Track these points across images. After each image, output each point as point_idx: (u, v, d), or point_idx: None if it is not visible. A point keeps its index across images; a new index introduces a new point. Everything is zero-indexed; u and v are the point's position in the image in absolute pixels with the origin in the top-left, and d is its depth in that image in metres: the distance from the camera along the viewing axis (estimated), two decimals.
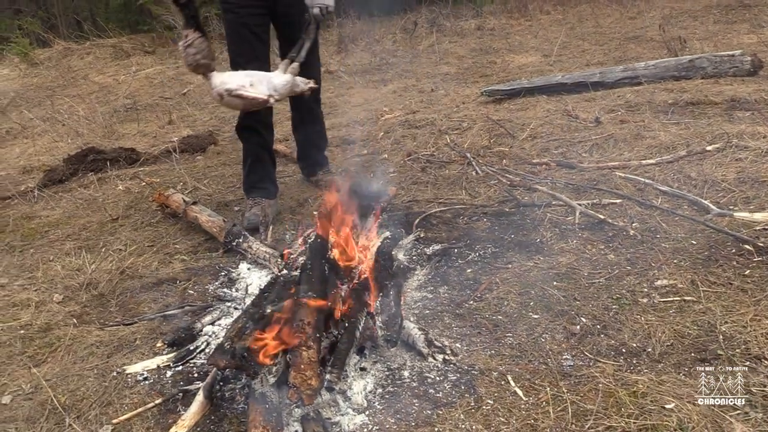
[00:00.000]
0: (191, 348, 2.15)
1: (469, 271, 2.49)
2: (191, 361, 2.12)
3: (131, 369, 2.09)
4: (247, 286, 2.52)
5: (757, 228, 2.41)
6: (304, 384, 1.63)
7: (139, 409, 1.88)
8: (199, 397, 1.83)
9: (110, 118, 6.04)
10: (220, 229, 2.88)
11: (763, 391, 1.65)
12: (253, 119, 3.18)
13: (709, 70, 4.57)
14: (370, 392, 1.84)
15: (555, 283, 2.30)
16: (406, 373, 1.92)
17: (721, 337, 1.91)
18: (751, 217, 2.46)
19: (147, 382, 2.03)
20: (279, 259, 2.51)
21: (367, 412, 1.76)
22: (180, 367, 2.08)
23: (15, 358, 2.26)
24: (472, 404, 1.75)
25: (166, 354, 2.15)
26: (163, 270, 2.77)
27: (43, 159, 5.12)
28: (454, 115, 4.51)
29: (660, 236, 2.50)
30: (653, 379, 1.75)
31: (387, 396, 1.82)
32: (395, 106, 4.94)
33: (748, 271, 2.20)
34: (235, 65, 3.08)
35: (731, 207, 2.60)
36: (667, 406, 1.62)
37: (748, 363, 1.79)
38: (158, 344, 2.19)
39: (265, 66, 3.14)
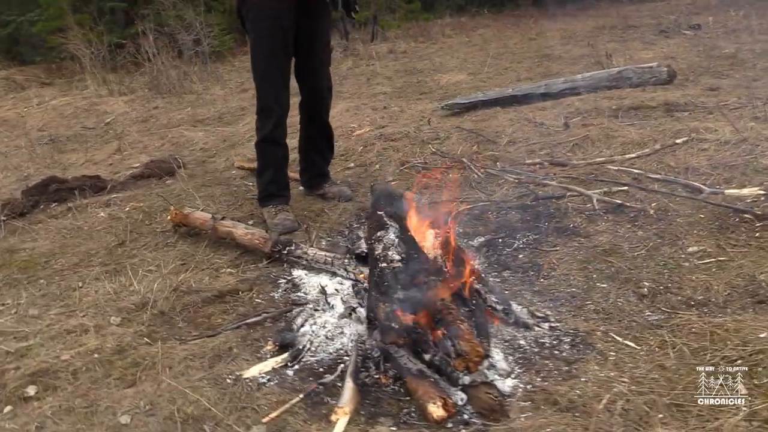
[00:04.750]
0: (300, 347, 2.20)
1: (521, 256, 2.75)
2: (303, 360, 2.17)
3: (248, 374, 2.10)
4: (323, 287, 2.59)
5: (748, 200, 2.89)
6: (473, 351, 1.78)
7: (286, 406, 1.91)
8: (350, 384, 1.91)
9: (36, 151, 5.67)
10: (264, 240, 2.92)
11: None
12: (282, 132, 3.26)
13: (634, 80, 5.23)
14: (503, 360, 2.02)
15: (605, 257, 2.62)
16: (522, 342, 2.12)
17: (764, 283, 2.29)
18: (740, 192, 2.93)
19: (272, 383, 2.06)
20: (351, 261, 2.62)
21: (513, 375, 1.94)
22: (297, 366, 2.13)
23: (102, 382, 2.17)
24: (599, 357, 1.99)
25: (276, 356, 2.18)
26: (218, 283, 2.76)
27: None
28: (423, 127, 4.79)
29: (672, 214, 2.90)
30: (735, 319, 2.08)
31: (521, 361, 2.02)
32: (361, 123, 5.13)
33: (758, 233, 2.64)
34: (268, 80, 3.15)
35: (718, 186, 3.07)
36: (761, 336, 1.95)
37: None
38: (267, 347, 2.22)
39: (288, 87, 3.25)
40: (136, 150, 5.40)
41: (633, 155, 3.60)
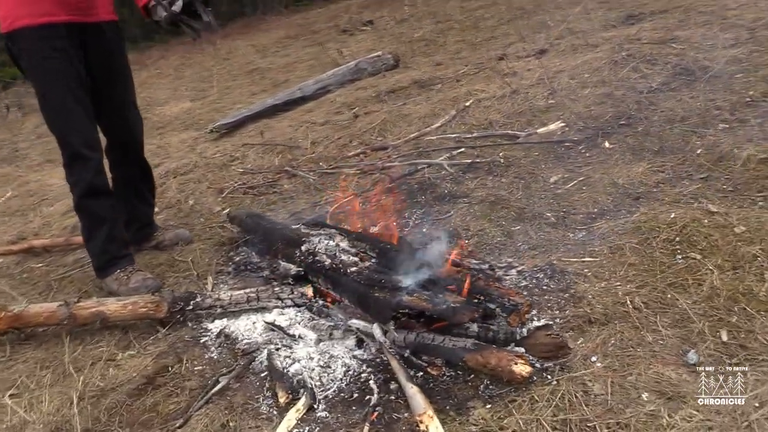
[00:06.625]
0: (309, 387, 1.93)
1: (425, 230, 2.82)
2: (320, 396, 1.91)
3: None
4: (270, 323, 2.27)
5: (559, 133, 3.44)
6: (525, 302, 1.82)
7: None
8: (414, 389, 1.77)
9: None
10: (155, 304, 2.41)
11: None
12: (105, 179, 2.72)
13: (370, 69, 5.66)
14: None
15: (498, 206, 2.85)
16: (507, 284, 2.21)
17: (626, 185, 2.79)
18: (549, 128, 3.48)
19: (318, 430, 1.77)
20: (286, 287, 2.36)
21: (535, 318, 2.02)
22: (323, 405, 1.87)
23: None
24: (581, 277, 2.20)
25: (290, 407, 1.87)
26: (130, 371, 2.20)
27: None
28: (207, 153, 4.44)
29: (514, 159, 3.29)
30: (640, 212, 2.49)
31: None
32: None
33: (587, 153, 3.18)
34: (69, 123, 2.59)
35: (528, 129, 3.57)
36: (672, 216, 2.38)
37: (641, 190, 2.71)
38: (281, 400, 1.88)
39: (96, 126, 2.73)
40: None
41: (438, 124, 3.94)
